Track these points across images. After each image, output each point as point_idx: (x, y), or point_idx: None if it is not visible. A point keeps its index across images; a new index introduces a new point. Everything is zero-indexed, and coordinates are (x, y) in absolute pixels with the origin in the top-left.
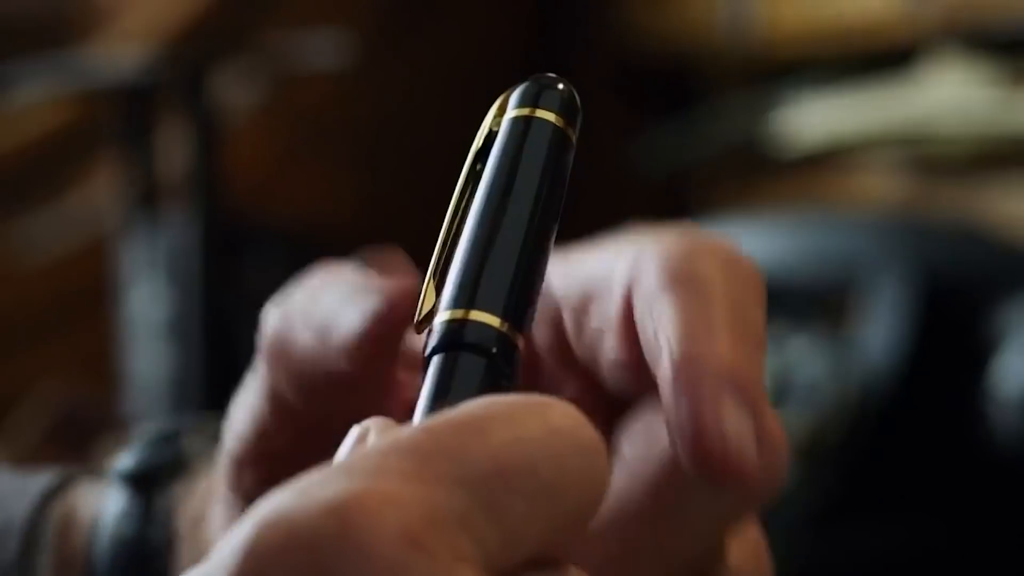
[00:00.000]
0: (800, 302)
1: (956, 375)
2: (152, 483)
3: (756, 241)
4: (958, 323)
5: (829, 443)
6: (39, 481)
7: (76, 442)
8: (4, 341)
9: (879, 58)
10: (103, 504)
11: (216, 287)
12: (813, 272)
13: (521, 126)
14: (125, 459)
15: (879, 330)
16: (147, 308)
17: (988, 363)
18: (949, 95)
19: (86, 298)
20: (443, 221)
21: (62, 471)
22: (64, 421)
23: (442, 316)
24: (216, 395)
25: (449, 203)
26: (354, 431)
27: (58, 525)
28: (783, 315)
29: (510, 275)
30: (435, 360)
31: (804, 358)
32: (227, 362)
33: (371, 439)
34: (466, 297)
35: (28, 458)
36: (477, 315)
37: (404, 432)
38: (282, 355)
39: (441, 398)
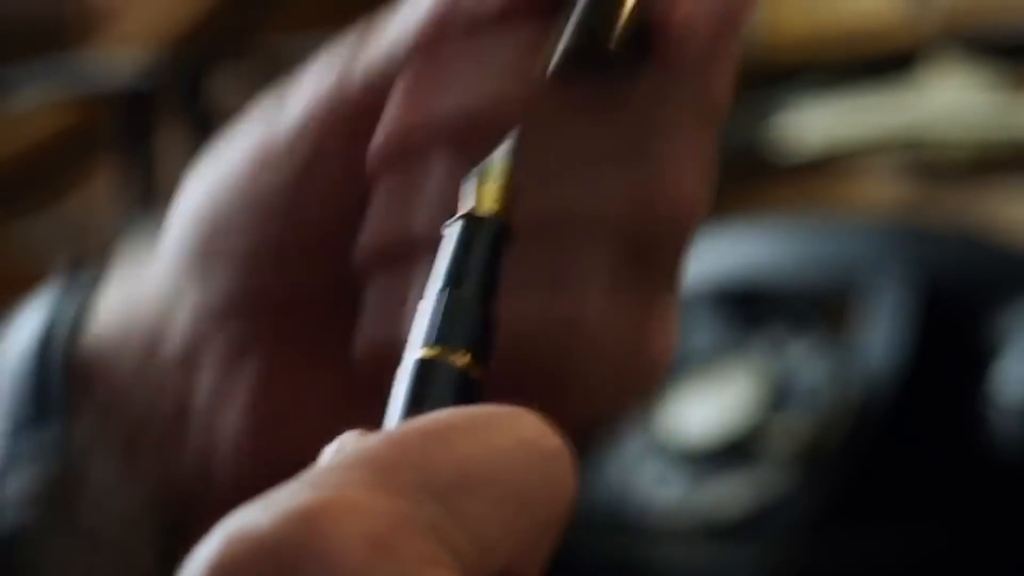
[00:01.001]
0: (801, 306)
1: (956, 379)
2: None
3: (757, 245)
4: (959, 327)
5: (830, 447)
6: None
7: None
8: None
9: (880, 63)
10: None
11: None
12: (814, 277)
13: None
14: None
15: (880, 334)
16: None
17: (988, 367)
18: (950, 100)
19: None
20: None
21: None
22: None
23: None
24: None
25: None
26: (332, 446)
27: None
28: (784, 319)
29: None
30: (408, 367)
31: (805, 362)
32: None
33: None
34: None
35: None
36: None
37: (368, 443)
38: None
39: (417, 402)
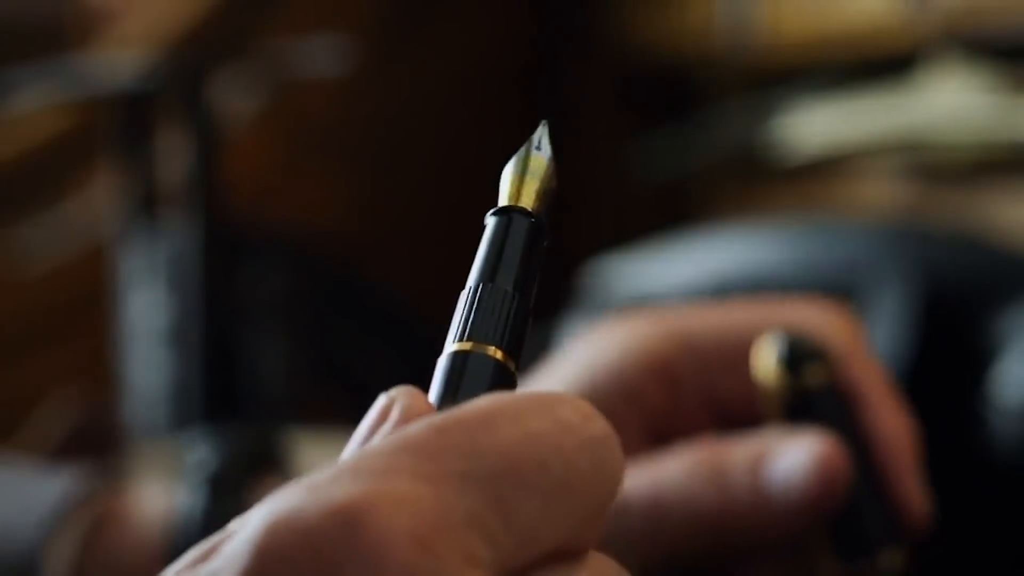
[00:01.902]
0: None
1: (957, 381)
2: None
3: (756, 248)
4: (959, 329)
5: None
6: (58, 484)
7: (91, 452)
8: (3, 349)
9: (879, 64)
10: (176, 502)
11: (215, 294)
12: (813, 279)
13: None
14: (201, 465)
15: (880, 336)
16: (146, 315)
17: (989, 369)
18: (950, 102)
19: (85, 305)
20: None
21: (86, 475)
22: (79, 431)
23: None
24: (215, 402)
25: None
26: (381, 400)
27: (90, 524)
28: None
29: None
30: (446, 355)
31: None
32: (226, 369)
33: (393, 415)
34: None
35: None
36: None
37: (412, 430)
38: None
39: (451, 394)
